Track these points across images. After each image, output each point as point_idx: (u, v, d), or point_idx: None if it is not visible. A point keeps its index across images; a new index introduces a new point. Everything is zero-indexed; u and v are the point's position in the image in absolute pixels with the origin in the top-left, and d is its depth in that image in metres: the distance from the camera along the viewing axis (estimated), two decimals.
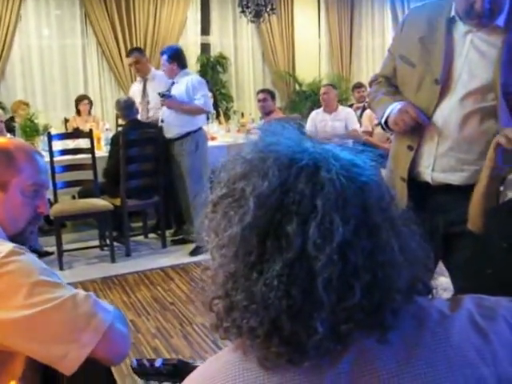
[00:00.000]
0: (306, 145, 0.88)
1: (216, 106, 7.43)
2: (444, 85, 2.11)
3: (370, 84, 2.55)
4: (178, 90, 5.56)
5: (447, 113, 2.11)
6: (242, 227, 0.80)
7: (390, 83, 2.40)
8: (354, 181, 0.83)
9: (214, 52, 9.74)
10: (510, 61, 2.01)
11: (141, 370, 1.52)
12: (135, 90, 6.37)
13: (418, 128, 2.14)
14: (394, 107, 2.20)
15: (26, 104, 7.36)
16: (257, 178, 0.82)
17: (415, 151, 2.18)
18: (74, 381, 1.40)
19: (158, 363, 1.50)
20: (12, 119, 7.12)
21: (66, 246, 5.31)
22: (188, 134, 5.56)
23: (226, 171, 0.88)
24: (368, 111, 7.33)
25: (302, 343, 0.79)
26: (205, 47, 9.71)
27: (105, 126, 7.09)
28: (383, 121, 2.23)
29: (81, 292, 1.42)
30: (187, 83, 5.55)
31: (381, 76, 2.47)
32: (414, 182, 2.20)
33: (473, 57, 2.08)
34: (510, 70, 2.00)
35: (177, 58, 5.62)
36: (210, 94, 5.96)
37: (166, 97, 5.48)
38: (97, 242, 5.71)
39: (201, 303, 0.90)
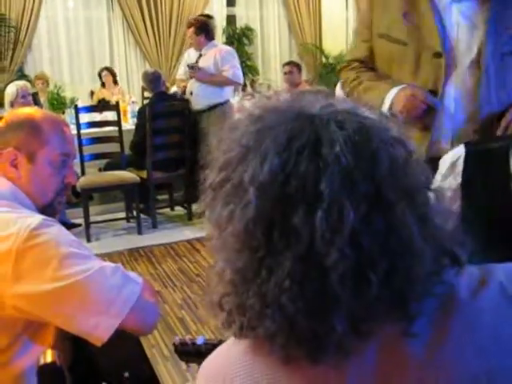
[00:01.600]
0: (307, 108, 0.79)
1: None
2: (447, 56, 2.00)
3: (339, 72, 2.33)
4: (206, 62, 5.54)
5: (458, 84, 2.04)
6: (244, 222, 0.74)
7: (366, 67, 2.22)
8: (360, 154, 0.74)
9: (240, 24, 9.65)
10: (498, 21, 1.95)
11: (183, 349, 1.52)
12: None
13: (428, 110, 2.01)
14: (394, 92, 2.03)
15: (41, 78, 7.36)
16: (255, 164, 0.75)
17: (431, 130, 2.04)
18: (105, 350, 1.42)
19: (199, 341, 1.50)
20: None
21: (92, 218, 5.35)
22: (216, 106, 5.55)
23: (221, 153, 0.81)
24: None
25: (321, 342, 0.74)
26: (230, 19, 9.62)
27: (131, 98, 7.09)
28: (386, 108, 2.04)
29: (109, 264, 1.42)
30: (215, 55, 5.53)
31: (352, 61, 2.26)
32: (433, 160, 2.09)
33: (465, 25, 1.99)
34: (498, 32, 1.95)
35: (204, 29, 5.58)
36: None
37: (194, 68, 5.46)
38: (123, 214, 5.75)
39: (208, 303, 0.83)
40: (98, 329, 1.36)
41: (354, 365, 0.76)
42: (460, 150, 1.69)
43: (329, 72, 9.69)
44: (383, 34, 2.12)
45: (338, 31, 10.18)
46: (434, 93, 2.03)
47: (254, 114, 0.81)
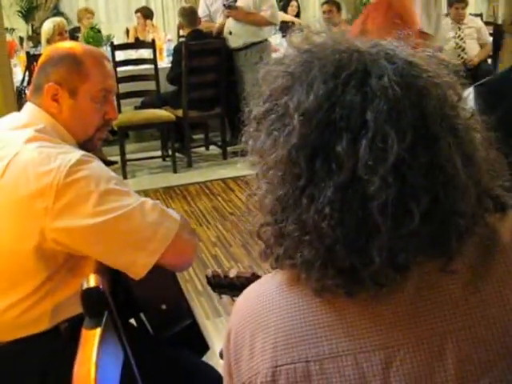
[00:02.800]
0: (355, 44, 0.79)
1: None
2: None
3: None
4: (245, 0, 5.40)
5: None
6: (288, 149, 0.74)
7: None
8: (409, 86, 0.73)
9: None
10: None
11: (215, 281, 1.55)
12: None
13: None
14: None
15: (91, 13, 7.33)
16: (300, 92, 0.75)
17: None
18: (142, 283, 1.46)
19: (231, 274, 1.52)
20: (75, 30, 7.14)
21: (129, 156, 5.40)
22: (253, 44, 5.48)
23: (266, 84, 0.81)
24: None
25: (358, 274, 0.73)
26: None
27: (166, 36, 7.03)
28: None
29: (149, 200, 1.44)
30: None
31: None
32: None
33: None
34: None
35: None
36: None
37: (231, 8, 5.36)
38: (159, 153, 5.79)
39: (248, 232, 0.85)
40: (136, 264, 1.40)
41: (389, 299, 0.75)
42: (469, 89, 1.69)
43: None
44: None
45: None
46: None
47: (302, 48, 0.81)
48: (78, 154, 1.41)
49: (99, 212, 1.36)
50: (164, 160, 5.74)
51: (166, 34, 7.30)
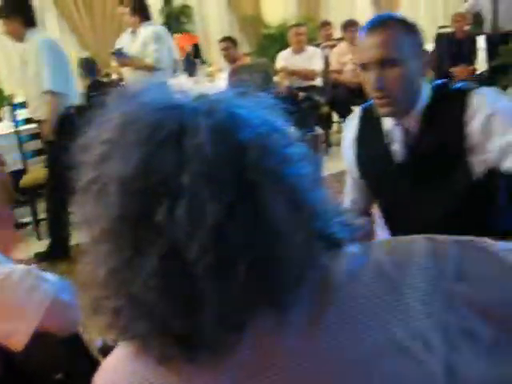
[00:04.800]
0: (176, 98, 0.75)
1: None
2: None
3: None
4: (135, 45, 5.20)
5: None
6: (110, 222, 0.70)
7: None
8: (226, 142, 0.70)
9: (177, 2, 9.53)
10: None
11: (106, 349, 1.50)
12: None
13: None
14: None
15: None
16: (118, 159, 0.71)
17: None
18: (31, 356, 1.40)
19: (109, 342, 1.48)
20: None
21: (42, 216, 5.24)
22: None
23: (89, 152, 0.76)
24: (336, 49, 7.21)
25: (192, 340, 0.71)
26: None
27: None
28: None
29: (20, 267, 1.42)
30: (141, 37, 5.15)
31: None
32: None
33: None
34: None
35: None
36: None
37: (116, 55, 5.21)
38: None
39: (84, 306, 0.80)
40: (15, 333, 1.37)
41: (229, 366, 0.73)
42: None
43: (271, 43, 9.66)
44: None
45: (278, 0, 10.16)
46: None
47: (119, 108, 0.77)
48: None
49: None
50: None
51: None
